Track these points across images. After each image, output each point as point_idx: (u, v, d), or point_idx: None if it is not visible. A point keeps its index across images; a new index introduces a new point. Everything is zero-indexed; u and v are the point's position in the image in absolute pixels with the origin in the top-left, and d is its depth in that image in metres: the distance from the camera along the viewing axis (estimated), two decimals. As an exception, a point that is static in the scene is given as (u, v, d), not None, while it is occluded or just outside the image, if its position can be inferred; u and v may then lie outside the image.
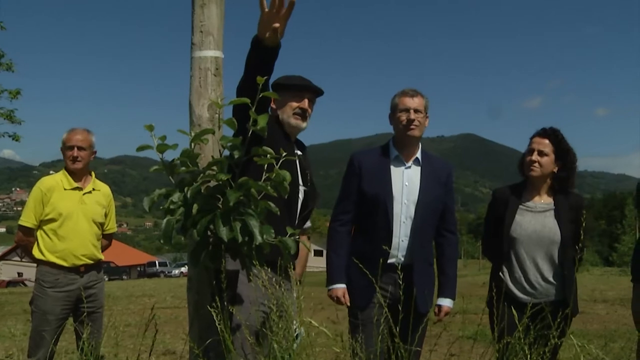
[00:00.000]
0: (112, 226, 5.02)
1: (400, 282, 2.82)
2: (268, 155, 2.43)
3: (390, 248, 3.52)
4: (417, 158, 3.68)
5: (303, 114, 3.32)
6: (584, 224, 3.10)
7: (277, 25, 2.50)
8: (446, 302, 3.69)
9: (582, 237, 3.02)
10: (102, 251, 4.96)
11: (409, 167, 3.67)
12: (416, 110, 3.59)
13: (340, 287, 3.62)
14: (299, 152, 3.33)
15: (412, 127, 3.59)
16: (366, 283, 3.38)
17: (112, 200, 5.05)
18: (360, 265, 3.14)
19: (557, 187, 3.84)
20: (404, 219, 3.59)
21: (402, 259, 3.58)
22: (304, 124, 3.33)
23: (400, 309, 2.83)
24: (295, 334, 2.85)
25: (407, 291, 3.24)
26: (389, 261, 3.50)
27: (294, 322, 2.83)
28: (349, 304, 3.60)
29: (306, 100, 3.33)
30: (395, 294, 3.25)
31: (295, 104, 3.30)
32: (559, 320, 2.47)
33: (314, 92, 3.38)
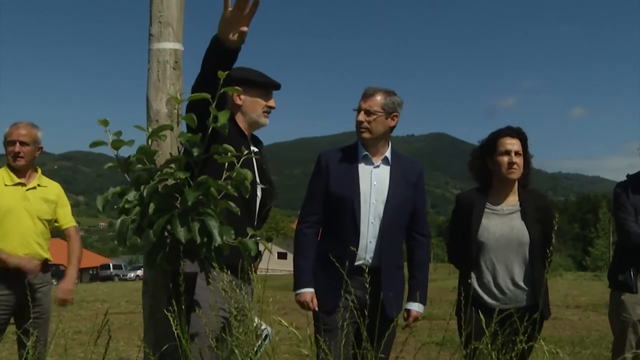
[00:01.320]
0: (68, 220, 4.88)
1: (367, 286, 2.85)
2: (229, 154, 2.44)
3: (357, 250, 3.55)
4: (386, 157, 3.73)
5: (269, 112, 3.34)
6: (555, 227, 3.17)
7: (244, 29, 2.51)
8: (415, 307, 3.74)
9: (553, 239, 3.08)
10: (75, 250, 4.84)
11: (378, 166, 3.71)
12: (367, 111, 3.64)
13: (309, 292, 3.64)
14: (255, 149, 3.34)
15: (361, 129, 3.66)
16: (332, 286, 3.40)
17: (64, 195, 4.93)
18: (329, 267, 3.16)
19: (523, 184, 3.95)
20: (372, 219, 3.62)
21: (370, 261, 3.62)
22: (268, 122, 3.35)
23: (366, 313, 2.87)
24: (263, 335, 2.86)
25: (374, 295, 3.27)
26: (356, 263, 3.54)
27: (262, 323, 2.84)
28: (317, 309, 3.62)
29: (273, 98, 3.35)
30: (363, 297, 3.29)
31: (264, 102, 3.31)
32: (525, 324, 2.52)
33: (276, 88, 3.40)
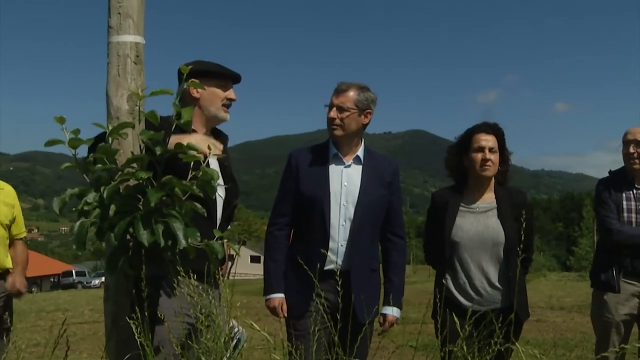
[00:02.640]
0: (21, 230, 4.81)
1: (339, 289, 2.85)
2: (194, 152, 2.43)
3: (328, 252, 3.56)
4: (357, 156, 3.72)
5: (229, 105, 3.33)
6: (524, 224, 3.20)
7: None
8: (391, 311, 3.74)
9: (522, 237, 3.11)
10: (23, 265, 4.77)
11: (349, 165, 3.70)
12: (339, 108, 3.62)
13: (278, 297, 3.64)
14: None
15: (332, 126, 3.65)
16: (303, 291, 3.41)
17: (17, 199, 4.85)
18: (301, 270, 3.16)
19: (500, 182, 3.95)
20: (342, 221, 3.62)
21: (341, 264, 3.61)
22: (228, 116, 3.34)
23: (338, 317, 2.87)
24: (237, 338, 2.86)
25: (346, 299, 3.27)
26: (327, 267, 3.55)
27: (235, 325, 2.84)
28: (285, 315, 3.61)
29: (232, 90, 3.33)
30: (335, 302, 3.30)
31: (223, 94, 3.29)
32: (500, 325, 2.55)
33: (235, 80, 3.38)
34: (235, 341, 2.88)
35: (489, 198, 3.91)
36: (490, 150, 3.83)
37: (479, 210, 3.87)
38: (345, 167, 3.69)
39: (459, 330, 2.46)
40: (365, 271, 3.68)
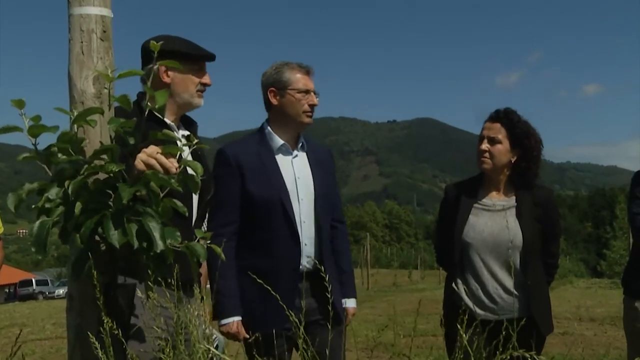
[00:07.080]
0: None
1: (301, 292, 2.87)
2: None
3: (300, 254, 3.60)
4: (303, 144, 3.79)
5: (204, 90, 3.30)
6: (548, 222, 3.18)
7: None
8: (351, 303, 3.88)
9: (544, 239, 3.09)
10: None
11: (296, 156, 3.75)
12: (316, 93, 3.71)
13: (236, 320, 3.55)
14: (185, 133, 3.26)
15: (311, 113, 3.73)
16: (269, 305, 3.36)
17: None
18: (261, 282, 3.02)
19: (517, 181, 3.91)
20: (303, 218, 3.65)
21: (308, 265, 3.63)
22: (202, 102, 3.31)
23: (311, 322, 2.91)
24: (215, 345, 2.87)
25: (323, 301, 3.29)
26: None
27: (214, 331, 2.84)
28: (247, 337, 3.53)
29: (207, 74, 3.31)
30: (307, 307, 3.30)
31: (197, 79, 3.25)
32: (517, 337, 2.55)
33: (210, 60, 3.34)
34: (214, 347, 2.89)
35: (508, 195, 3.89)
36: (492, 140, 3.82)
37: (495, 209, 3.86)
38: (294, 157, 3.73)
39: (465, 342, 2.45)
40: (333, 267, 3.76)
